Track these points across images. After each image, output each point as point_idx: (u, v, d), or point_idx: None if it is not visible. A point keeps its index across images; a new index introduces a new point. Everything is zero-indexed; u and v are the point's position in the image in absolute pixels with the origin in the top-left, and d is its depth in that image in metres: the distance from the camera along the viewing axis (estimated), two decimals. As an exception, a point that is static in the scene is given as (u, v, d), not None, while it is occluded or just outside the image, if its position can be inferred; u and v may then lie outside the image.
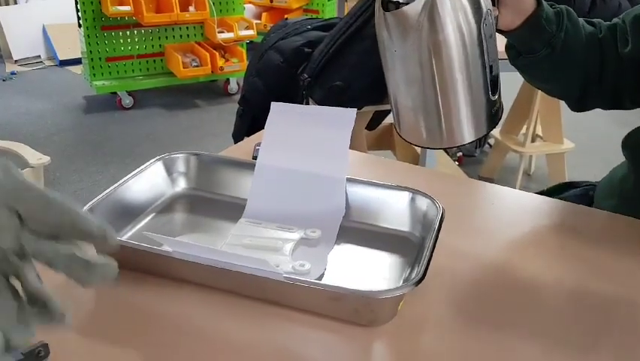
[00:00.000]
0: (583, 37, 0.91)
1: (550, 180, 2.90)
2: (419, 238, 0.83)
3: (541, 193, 1.11)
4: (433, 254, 0.71)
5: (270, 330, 0.67)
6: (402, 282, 0.74)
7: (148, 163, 0.90)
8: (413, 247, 0.82)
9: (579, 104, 0.99)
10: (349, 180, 0.87)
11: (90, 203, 0.77)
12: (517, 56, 0.93)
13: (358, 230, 0.86)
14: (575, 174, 2.83)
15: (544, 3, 0.87)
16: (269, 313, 0.69)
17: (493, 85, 0.77)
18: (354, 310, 0.66)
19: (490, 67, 0.76)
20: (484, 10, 0.73)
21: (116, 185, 0.83)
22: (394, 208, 0.86)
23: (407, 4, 0.71)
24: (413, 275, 0.72)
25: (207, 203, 0.92)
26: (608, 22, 0.95)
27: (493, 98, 0.78)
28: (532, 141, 2.77)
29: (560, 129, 2.77)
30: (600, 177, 1.11)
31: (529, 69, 0.95)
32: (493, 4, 0.80)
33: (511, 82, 2.84)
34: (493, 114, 0.79)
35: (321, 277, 0.75)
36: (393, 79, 0.79)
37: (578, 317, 0.71)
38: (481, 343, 0.66)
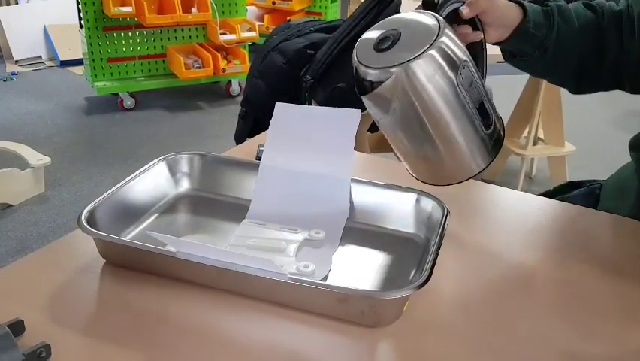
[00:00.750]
0: (577, 29, 0.89)
1: (551, 183, 2.89)
2: (424, 239, 0.83)
3: (545, 193, 1.10)
4: (438, 255, 0.70)
5: (274, 331, 0.66)
6: (407, 283, 0.74)
7: (151, 163, 0.89)
8: (418, 248, 0.81)
9: (578, 90, 0.98)
10: (354, 180, 0.86)
11: (93, 202, 0.77)
12: (510, 56, 0.92)
13: (362, 231, 0.85)
14: (576, 176, 2.81)
15: (531, 7, 0.85)
16: (273, 313, 0.68)
17: (486, 123, 0.77)
18: (359, 311, 0.66)
19: (478, 109, 0.75)
20: (459, 63, 0.72)
21: (119, 185, 0.82)
22: (399, 209, 0.85)
23: (381, 82, 0.70)
24: (418, 276, 0.72)
25: (210, 204, 0.91)
26: (614, 7, 0.92)
27: (488, 132, 0.77)
28: (534, 143, 2.77)
29: (562, 132, 2.76)
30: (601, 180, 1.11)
31: (523, 68, 0.94)
32: (475, 29, 0.79)
33: (514, 85, 2.85)
34: (493, 144, 0.79)
35: (325, 278, 0.74)
36: (386, 136, 0.80)
37: (583, 320, 0.70)
38: (484, 345, 0.65)
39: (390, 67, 0.69)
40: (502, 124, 0.81)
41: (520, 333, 0.67)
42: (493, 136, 0.78)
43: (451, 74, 0.71)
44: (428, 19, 0.72)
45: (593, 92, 0.98)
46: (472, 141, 0.76)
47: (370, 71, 0.70)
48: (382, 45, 0.71)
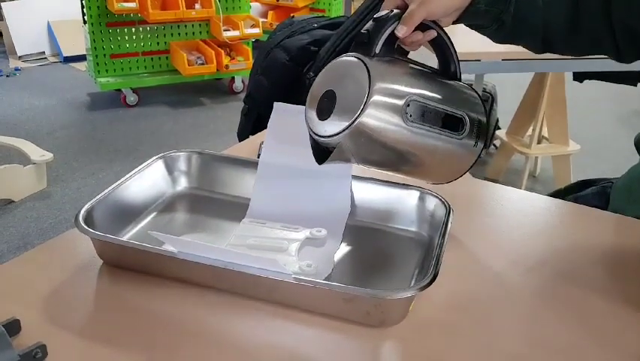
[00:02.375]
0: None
1: (555, 182, 2.88)
2: (426, 237, 0.82)
3: (557, 192, 1.09)
4: (443, 254, 0.69)
5: (277, 331, 0.65)
6: (412, 282, 0.73)
7: (149, 161, 0.88)
8: (420, 247, 0.80)
9: (545, 51, 0.93)
10: (355, 178, 0.85)
11: (90, 202, 0.76)
12: (468, 25, 0.86)
13: (364, 229, 0.84)
14: (581, 175, 2.80)
15: None
16: (275, 314, 0.67)
17: (458, 128, 0.73)
18: (365, 311, 0.65)
19: (442, 124, 0.72)
20: (402, 100, 0.68)
21: (115, 184, 0.81)
22: (401, 207, 0.84)
23: (334, 148, 0.68)
24: (421, 275, 0.71)
25: (209, 202, 0.90)
26: None
27: (464, 134, 0.74)
28: (538, 142, 2.75)
29: (566, 131, 2.75)
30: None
31: (483, 34, 0.88)
32: (426, 29, 0.74)
33: (518, 83, 2.83)
34: (476, 136, 0.75)
35: (328, 278, 0.73)
36: None
37: (592, 321, 0.69)
38: (490, 346, 0.64)
39: (333, 135, 0.67)
40: (483, 108, 0.76)
41: (527, 336, 0.66)
42: (472, 131, 0.75)
43: (395, 116, 0.68)
44: (358, 69, 0.68)
45: (565, 55, 0.93)
46: (451, 149, 0.74)
47: (320, 139, 0.70)
48: (323, 113, 0.69)
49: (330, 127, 0.68)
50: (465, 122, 0.74)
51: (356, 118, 0.65)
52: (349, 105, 0.67)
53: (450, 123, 0.73)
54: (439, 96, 0.72)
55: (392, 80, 0.69)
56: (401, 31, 0.71)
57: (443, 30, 0.76)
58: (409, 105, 0.68)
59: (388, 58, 0.71)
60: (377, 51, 0.69)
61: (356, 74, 0.68)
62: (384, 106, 0.67)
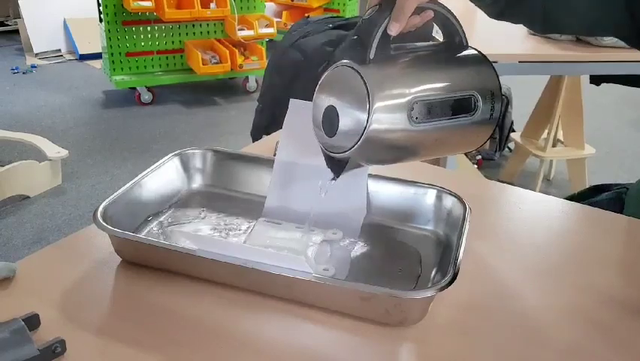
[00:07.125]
0: None
1: (570, 186, 2.86)
2: (443, 236, 0.81)
3: (571, 197, 1.08)
4: (460, 255, 0.69)
5: (295, 330, 0.65)
6: (429, 281, 0.73)
7: (165, 159, 0.88)
8: (437, 246, 0.80)
9: (548, 32, 0.90)
10: (371, 176, 0.85)
11: (107, 199, 0.76)
12: None
13: (380, 227, 0.84)
14: (596, 179, 2.79)
15: None
16: (293, 313, 0.67)
17: (470, 109, 0.70)
18: (385, 310, 0.65)
19: (452, 112, 0.69)
20: (407, 103, 0.65)
21: (132, 181, 0.81)
22: (418, 205, 0.84)
23: (347, 160, 0.69)
24: (440, 275, 0.70)
25: (225, 200, 0.90)
26: None
27: (476, 112, 0.70)
28: (554, 145, 2.74)
29: (582, 134, 2.73)
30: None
31: (479, 8, 0.86)
32: (419, 11, 0.70)
33: (534, 86, 2.82)
34: (491, 108, 0.71)
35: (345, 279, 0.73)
36: None
37: (607, 326, 0.69)
38: (507, 349, 0.64)
39: (343, 152, 0.67)
40: (493, 70, 0.72)
41: (541, 339, 0.66)
42: (486, 103, 0.71)
43: (402, 121, 0.66)
44: (354, 81, 0.65)
45: (574, 33, 0.90)
46: (467, 128, 0.71)
47: (332, 155, 0.70)
48: (329, 130, 0.68)
49: (339, 143, 0.67)
50: (476, 99, 0.70)
51: (362, 134, 0.65)
52: (353, 120, 0.65)
53: (461, 105, 0.69)
54: (444, 84, 0.69)
55: (391, 84, 0.66)
56: (394, 28, 0.66)
57: (440, 4, 0.71)
58: (412, 108, 0.66)
59: (384, 56, 0.67)
60: (372, 56, 0.66)
61: (353, 88, 0.65)
62: (389, 113, 0.65)
